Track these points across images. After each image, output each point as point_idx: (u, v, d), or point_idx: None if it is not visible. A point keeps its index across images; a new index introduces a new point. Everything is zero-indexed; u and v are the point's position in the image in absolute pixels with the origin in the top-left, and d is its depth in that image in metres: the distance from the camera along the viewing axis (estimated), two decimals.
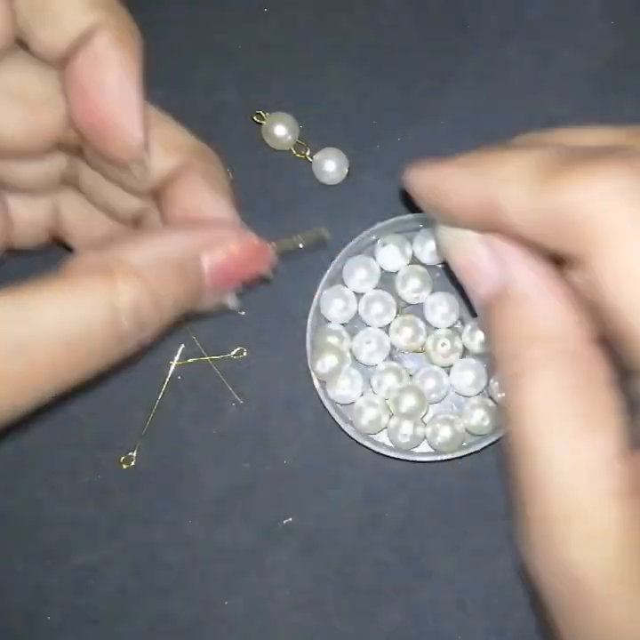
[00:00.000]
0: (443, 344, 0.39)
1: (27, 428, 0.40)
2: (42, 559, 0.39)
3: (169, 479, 0.39)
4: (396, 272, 0.40)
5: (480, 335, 0.39)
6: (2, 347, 0.25)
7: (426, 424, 0.39)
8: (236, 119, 0.41)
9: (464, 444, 0.39)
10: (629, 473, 0.24)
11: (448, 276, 0.40)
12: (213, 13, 0.42)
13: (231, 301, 0.32)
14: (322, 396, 0.39)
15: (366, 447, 0.38)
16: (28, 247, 0.37)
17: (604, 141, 0.28)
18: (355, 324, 0.40)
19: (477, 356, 0.39)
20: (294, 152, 0.41)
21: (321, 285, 0.39)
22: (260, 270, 0.31)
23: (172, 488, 0.39)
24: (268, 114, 0.41)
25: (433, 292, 0.40)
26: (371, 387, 0.39)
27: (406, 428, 0.39)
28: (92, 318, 0.26)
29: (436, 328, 0.39)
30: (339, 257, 0.39)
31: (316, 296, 0.39)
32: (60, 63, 0.30)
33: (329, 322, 0.39)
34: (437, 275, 0.40)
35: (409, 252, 0.40)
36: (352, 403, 0.39)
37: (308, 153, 0.41)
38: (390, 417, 0.39)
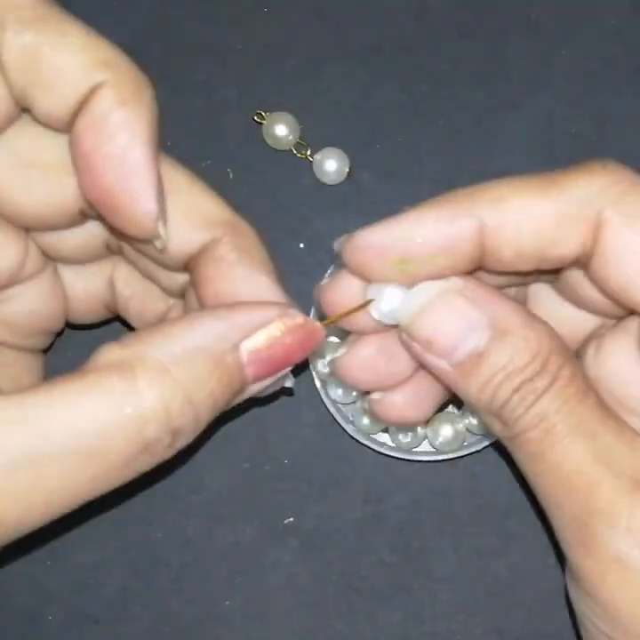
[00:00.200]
0: None
1: None
2: (42, 559, 0.39)
3: (169, 479, 0.39)
4: None
5: None
6: (7, 456, 0.22)
7: (426, 423, 0.39)
8: (236, 119, 0.41)
9: (465, 443, 0.38)
10: None
11: None
12: (213, 13, 0.42)
13: (288, 382, 0.29)
14: (323, 396, 0.38)
15: (367, 447, 0.38)
16: (86, 321, 0.35)
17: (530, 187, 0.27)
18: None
19: None
20: (295, 152, 0.41)
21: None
22: (310, 351, 0.28)
23: (172, 488, 0.39)
24: (268, 113, 0.41)
25: None
26: None
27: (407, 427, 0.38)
28: (110, 425, 0.23)
29: None
30: (337, 267, 0.39)
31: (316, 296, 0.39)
32: (66, 128, 0.27)
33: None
34: None
35: None
36: (353, 402, 0.39)
37: (308, 153, 0.41)
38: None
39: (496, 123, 0.41)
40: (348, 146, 0.41)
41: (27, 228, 0.31)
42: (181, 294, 0.32)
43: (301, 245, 0.41)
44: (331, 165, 0.40)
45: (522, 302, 0.32)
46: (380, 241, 0.27)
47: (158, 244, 0.28)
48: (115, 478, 0.24)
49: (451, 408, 0.39)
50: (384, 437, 0.39)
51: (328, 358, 0.38)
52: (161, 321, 0.33)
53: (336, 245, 0.28)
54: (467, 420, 0.38)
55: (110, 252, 0.32)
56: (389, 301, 0.28)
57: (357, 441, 0.38)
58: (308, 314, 0.38)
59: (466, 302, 0.27)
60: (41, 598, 0.39)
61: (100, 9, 0.42)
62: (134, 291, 0.33)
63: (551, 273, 0.30)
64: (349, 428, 0.38)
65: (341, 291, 0.29)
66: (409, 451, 0.39)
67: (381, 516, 0.39)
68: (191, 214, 0.29)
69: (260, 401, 0.35)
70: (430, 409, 0.31)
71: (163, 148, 0.29)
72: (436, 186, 0.40)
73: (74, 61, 0.26)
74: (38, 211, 0.29)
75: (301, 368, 0.36)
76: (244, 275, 0.29)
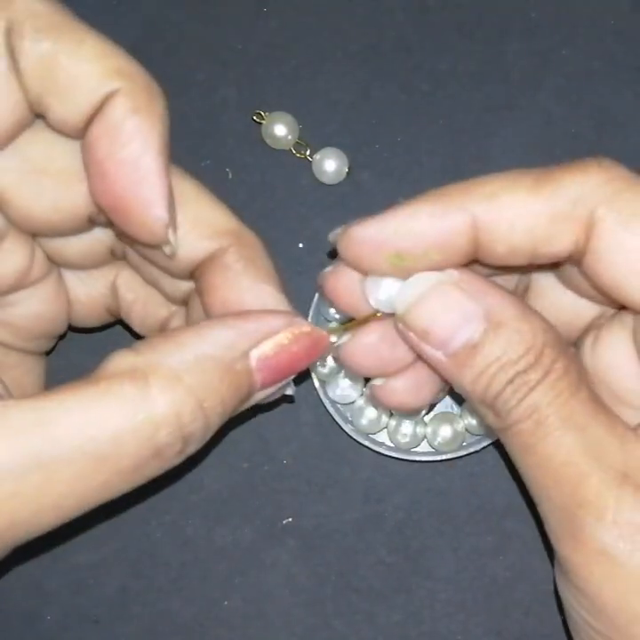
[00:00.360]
0: None
1: None
2: (42, 559, 0.39)
3: (169, 479, 0.39)
4: None
5: None
6: (19, 460, 0.23)
7: (426, 424, 0.39)
8: (235, 119, 0.41)
9: (464, 443, 0.38)
10: None
11: None
12: (213, 13, 0.42)
13: (289, 390, 0.30)
14: (322, 396, 0.38)
15: (366, 447, 0.38)
16: (88, 325, 0.35)
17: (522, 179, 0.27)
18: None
19: None
20: (294, 152, 0.41)
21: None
22: (315, 359, 0.28)
23: (172, 488, 0.39)
24: (267, 113, 0.41)
25: None
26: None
27: (406, 427, 0.39)
28: (122, 430, 0.24)
29: None
30: (339, 257, 0.39)
31: (316, 296, 0.39)
32: (79, 135, 0.27)
33: (329, 322, 0.39)
34: None
35: None
36: (352, 402, 0.39)
37: (307, 153, 0.41)
38: (390, 416, 0.39)
39: (496, 123, 0.41)
40: (348, 146, 0.41)
41: (34, 234, 0.31)
42: (183, 301, 0.32)
43: (301, 245, 0.41)
44: (330, 165, 0.40)
45: (524, 288, 0.32)
46: (374, 236, 0.27)
47: (167, 249, 0.28)
48: (125, 483, 0.25)
49: (450, 408, 0.39)
50: (383, 437, 0.39)
51: (327, 358, 0.38)
52: (163, 326, 0.34)
53: (331, 237, 0.29)
54: (466, 421, 0.38)
55: (114, 257, 0.33)
56: (386, 290, 0.29)
57: (356, 441, 0.38)
58: (307, 313, 0.39)
59: (461, 294, 0.27)
60: (40, 598, 0.39)
61: (101, 9, 0.42)
62: (137, 296, 0.34)
63: (548, 267, 0.30)
64: (348, 428, 0.38)
65: (344, 279, 0.30)
66: (408, 451, 0.39)
67: (380, 516, 0.39)
68: (199, 223, 0.29)
69: (262, 408, 0.35)
70: (430, 396, 0.31)
71: None
72: (435, 186, 0.40)
73: (89, 69, 0.26)
74: (47, 217, 0.29)
75: (303, 375, 0.36)
76: (249, 284, 0.29)
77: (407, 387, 0.30)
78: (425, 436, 0.39)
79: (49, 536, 0.24)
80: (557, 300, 0.31)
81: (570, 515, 0.26)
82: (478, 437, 0.38)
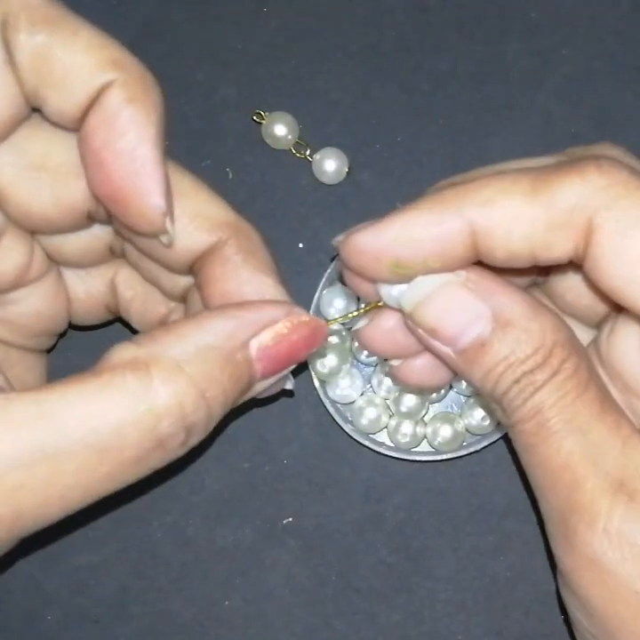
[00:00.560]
0: None
1: None
2: (42, 559, 0.39)
3: (169, 479, 0.39)
4: None
5: None
6: (24, 451, 0.23)
7: (426, 424, 0.39)
8: (235, 118, 0.41)
9: (464, 443, 0.38)
10: None
11: None
12: (213, 13, 0.42)
13: (289, 384, 0.30)
14: (322, 396, 0.38)
15: (366, 447, 0.38)
16: (88, 322, 0.36)
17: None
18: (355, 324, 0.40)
19: None
20: (294, 152, 0.41)
21: (321, 285, 0.39)
22: (315, 348, 0.29)
23: (172, 488, 0.39)
24: (267, 113, 0.41)
25: None
26: (371, 386, 0.39)
27: (406, 427, 0.39)
28: (125, 422, 0.24)
29: None
30: (339, 257, 0.39)
31: (316, 296, 0.39)
32: (76, 127, 0.28)
33: (329, 321, 0.39)
34: None
35: None
36: (352, 402, 0.39)
37: (307, 152, 0.41)
38: (390, 416, 0.39)
39: (496, 123, 0.41)
40: (348, 146, 0.41)
41: (33, 231, 0.31)
42: (182, 298, 0.32)
43: (301, 245, 0.41)
44: (330, 165, 0.40)
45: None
46: (372, 245, 0.27)
47: (165, 239, 0.28)
48: (129, 474, 0.25)
49: (450, 408, 0.39)
50: (383, 437, 0.39)
51: (327, 358, 0.38)
52: (161, 323, 0.34)
53: (334, 243, 0.29)
54: (466, 421, 0.38)
55: (113, 255, 0.33)
56: (398, 286, 0.29)
57: (356, 441, 0.38)
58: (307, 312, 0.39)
59: (468, 294, 0.27)
60: (40, 598, 0.39)
61: (100, 9, 0.42)
62: (136, 293, 0.34)
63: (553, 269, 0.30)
64: (348, 428, 0.38)
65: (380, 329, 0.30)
66: (408, 451, 0.39)
67: (380, 515, 0.39)
68: (197, 217, 0.29)
69: (261, 402, 0.36)
70: (448, 376, 0.31)
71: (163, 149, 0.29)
72: None
73: (84, 61, 0.26)
74: (46, 213, 0.29)
75: (301, 369, 0.36)
76: (248, 275, 0.29)
77: (425, 367, 0.31)
78: (425, 436, 0.39)
79: (49, 536, 0.24)
80: (580, 281, 0.30)
81: (564, 518, 0.26)
82: (478, 437, 0.38)
